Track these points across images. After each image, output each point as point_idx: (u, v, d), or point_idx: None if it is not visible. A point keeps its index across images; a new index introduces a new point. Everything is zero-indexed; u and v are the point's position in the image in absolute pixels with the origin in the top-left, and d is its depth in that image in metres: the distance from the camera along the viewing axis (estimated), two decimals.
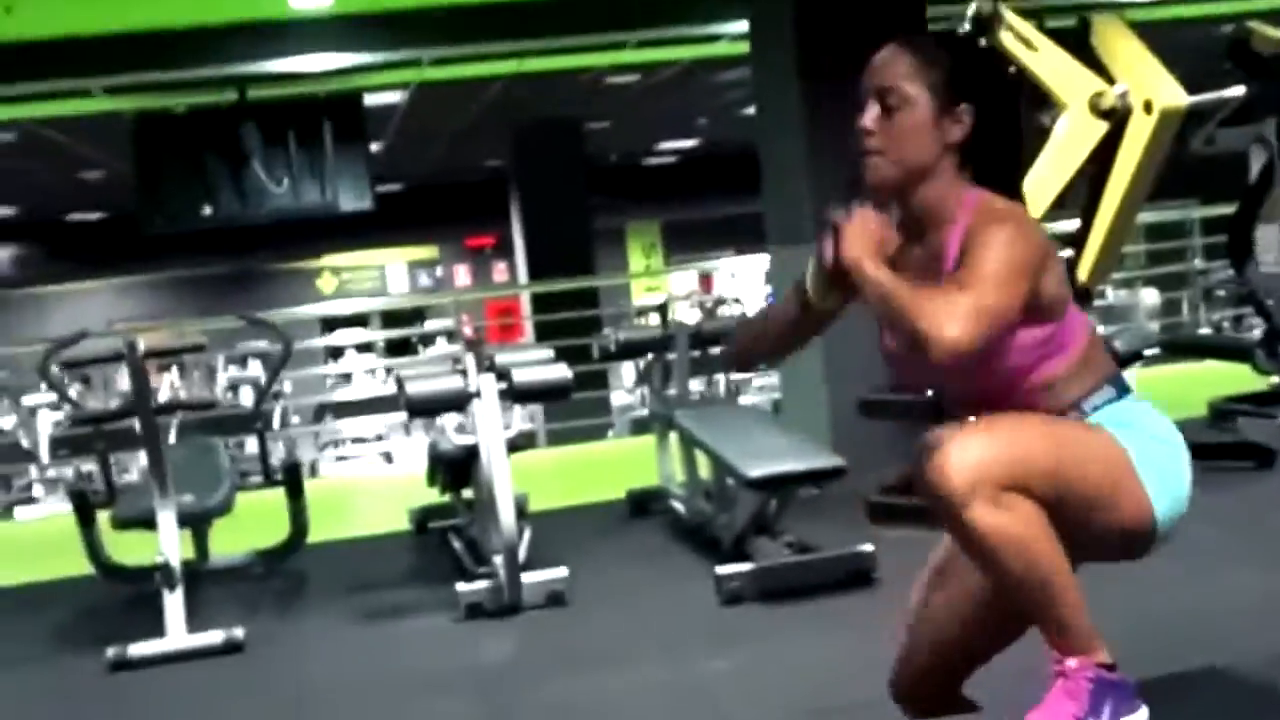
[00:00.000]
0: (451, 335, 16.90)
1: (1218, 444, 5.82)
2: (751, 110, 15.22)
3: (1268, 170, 6.10)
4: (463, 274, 23.54)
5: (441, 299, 18.61)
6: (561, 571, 4.49)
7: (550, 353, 4.83)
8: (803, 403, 6.20)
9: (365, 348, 16.78)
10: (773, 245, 6.45)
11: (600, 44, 9.31)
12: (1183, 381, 7.37)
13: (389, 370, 16.16)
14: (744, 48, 9.41)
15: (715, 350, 5.60)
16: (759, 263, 15.68)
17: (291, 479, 5.19)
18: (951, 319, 1.93)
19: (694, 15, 8.47)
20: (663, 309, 5.86)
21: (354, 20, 8.10)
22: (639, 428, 10.44)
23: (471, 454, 4.77)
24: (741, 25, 8.86)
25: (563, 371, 4.62)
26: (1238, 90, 5.58)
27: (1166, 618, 3.62)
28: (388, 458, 12.39)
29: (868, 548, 4.45)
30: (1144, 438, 2.14)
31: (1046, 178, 5.00)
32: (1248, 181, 6.21)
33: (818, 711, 3.33)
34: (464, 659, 4.17)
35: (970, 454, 1.97)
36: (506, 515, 4.34)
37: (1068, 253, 5.67)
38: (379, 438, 13.05)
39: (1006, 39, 4.94)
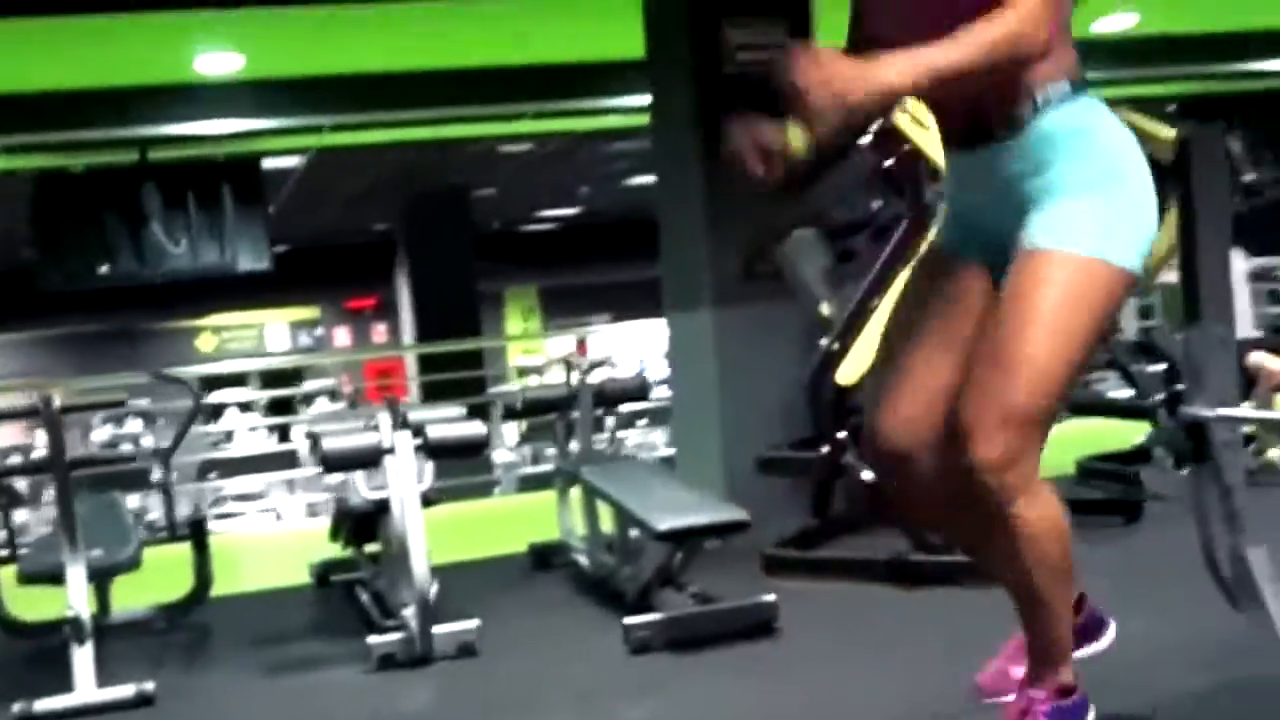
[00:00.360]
0: (333, 394, 16.80)
1: (1089, 500, 6.05)
2: (634, 180, 15.51)
3: None
4: (343, 335, 23.37)
5: (328, 359, 18.46)
6: (472, 623, 4.49)
7: (463, 410, 4.85)
8: (697, 460, 6.27)
9: (245, 407, 16.55)
10: (670, 311, 6.56)
11: (499, 114, 9.39)
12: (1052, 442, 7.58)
13: (271, 429, 16.05)
14: (636, 120, 9.62)
15: (618, 408, 5.68)
16: (638, 327, 15.99)
17: (196, 533, 5.13)
18: (1019, 39, 1.89)
19: (593, 88, 8.59)
20: (567, 367, 5.92)
21: (258, 85, 8.09)
22: (526, 484, 10.45)
23: (380, 509, 4.77)
24: (637, 99, 9.06)
25: (477, 428, 4.65)
26: None
27: None
28: (277, 515, 12.21)
29: (770, 598, 4.53)
30: (1099, 185, 2.03)
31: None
32: None
33: None
34: (382, 710, 4.12)
35: (1008, 438, 1.94)
36: (420, 567, 4.34)
37: None
38: (260, 495, 12.90)
39: (900, 120, 5.12)
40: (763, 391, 6.10)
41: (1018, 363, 1.94)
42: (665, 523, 4.35)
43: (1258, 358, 6.37)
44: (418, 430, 4.52)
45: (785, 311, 5.91)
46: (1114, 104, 2.16)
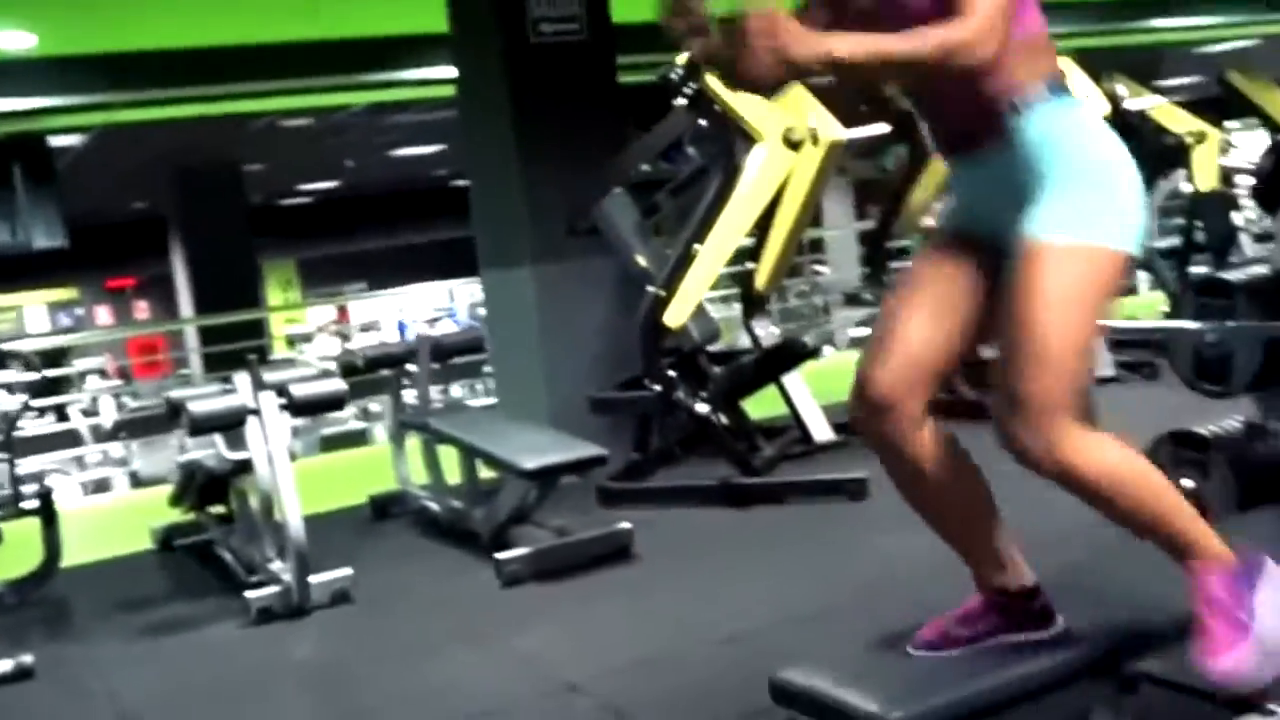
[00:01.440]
0: (103, 373, 15.90)
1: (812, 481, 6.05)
2: (401, 152, 15.18)
3: (897, 192, 6.68)
4: (104, 314, 22.16)
5: (104, 336, 17.44)
6: (345, 571, 4.36)
7: (321, 368, 4.69)
8: (520, 405, 6.23)
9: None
10: (486, 269, 6.48)
11: (286, 90, 9.03)
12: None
13: (43, 410, 15.08)
14: (422, 92, 9.44)
15: (453, 361, 5.59)
16: (406, 295, 15.77)
17: (45, 506, 4.80)
18: (968, 45, 1.90)
19: (384, 62, 8.36)
20: (400, 328, 5.78)
21: (50, 63, 7.53)
22: (329, 444, 10.17)
23: (239, 469, 4.58)
24: (426, 71, 8.89)
25: (338, 385, 4.50)
26: (883, 127, 6.07)
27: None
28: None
29: (626, 526, 4.57)
30: (1084, 179, 2.03)
31: (747, 200, 5.29)
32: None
33: (641, 661, 3.43)
34: (274, 660, 3.96)
35: (1043, 429, 1.94)
36: (296, 521, 4.19)
37: (749, 265, 6.03)
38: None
39: (713, 82, 5.19)
40: (582, 339, 6.12)
41: (1030, 357, 1.96)
42: (531, 462, 4.33)
43: None
44: (281, 390, 4.34)
45: (600, 265, 5.94)
46: None
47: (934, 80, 2.06)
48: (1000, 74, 2.00)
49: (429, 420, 5.16)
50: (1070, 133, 2.05)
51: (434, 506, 5.24)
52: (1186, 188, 8.79)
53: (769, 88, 2.06)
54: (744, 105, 5.17)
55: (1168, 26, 13.62)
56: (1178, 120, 8.47)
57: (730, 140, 5.24)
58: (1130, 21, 12.89)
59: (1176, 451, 3.58)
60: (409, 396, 5.55)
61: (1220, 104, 8.81)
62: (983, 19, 1.90)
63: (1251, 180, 9.83)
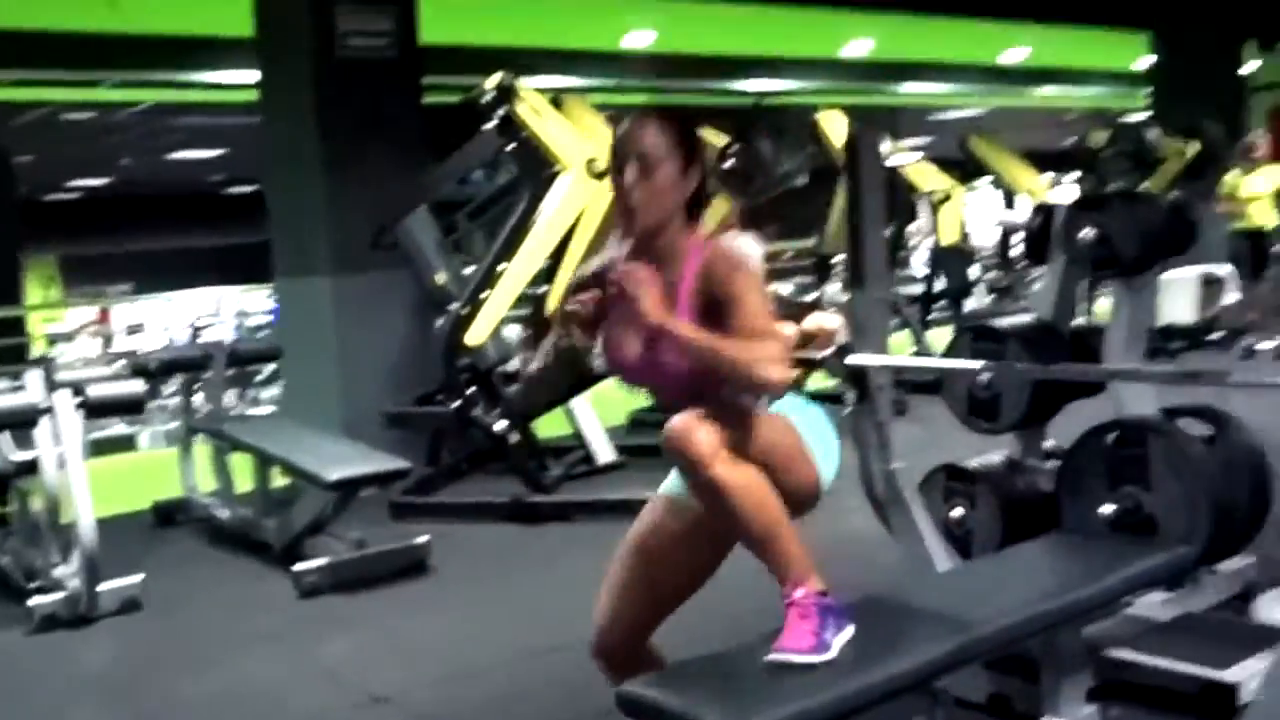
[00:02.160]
0: None
1: (653, 445, 6.34)
2: (180, 155, 14.48)
3: None
4: None
5: None
6: (136, 578, 4.11)
7: (119, 369, 4.40)
8: (310, 414, 5.98)
9: None
10: (282, 277, 6.25)
11: (69, 81, 8.48)
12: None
13: None
14: (218, 95, 9.04)
15: (249, 367, 5.36)
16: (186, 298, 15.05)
17: None
18: (771, 364, 2.13)
19: (182, 62, 7.95)
20: (194, 330, 5.50)
21: None
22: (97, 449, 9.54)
23: (19, 471, 4.26)
24: (226, 74, 8.50)
25: (137, 386, 4.24)
26: None
27: None
28: None
29: (424, 539, 4.47)
30: (806, 423, 2.33)
31: (550, 225, 5.26)
32: None
33: (448, 674, 3.35)
34: (67, 669, 3.67)
35: (707, 431, 2.11)
36: (87, 525, 3.92)
37: (544, 288, 5.98)
38: None
39: (521, 109, 5.16)
40: (378, 352, 5.96)
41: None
42: (335, 473, 4.18)
43: (815, 318, 6.90)
44: (77, 389, 4.05)
45: (400, 279, 5.81)
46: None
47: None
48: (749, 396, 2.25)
49: (224, 427, 4.92)
50: (795, 406, 2.32)
51: (223, 514, 5.00)
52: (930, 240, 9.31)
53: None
54: (551, 133, 5.17)
55: (912, 91, 14.39)
56: (928, 178, 8.94)
57: (537, 164, 5.21)
58: (879, 84, 13.55)
59: (948, 484, 3.73)
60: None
61: (951, 163, 9.29)
62: (778, 348, 2.17)
63: (1019, 235, 10.53)
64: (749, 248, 2.27)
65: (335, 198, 5.87)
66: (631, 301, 2.17)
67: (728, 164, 5.61)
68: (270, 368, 8.09)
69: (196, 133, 12.03)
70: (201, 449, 5.30)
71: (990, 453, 3.81)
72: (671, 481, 2.42)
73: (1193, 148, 8.58)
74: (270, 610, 4.08)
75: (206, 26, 7.71)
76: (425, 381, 5.66)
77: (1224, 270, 9.63)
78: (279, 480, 4.77)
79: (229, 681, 3.45)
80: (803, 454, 2.29)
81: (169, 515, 5.34)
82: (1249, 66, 11.62)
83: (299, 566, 4.20)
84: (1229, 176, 8.75)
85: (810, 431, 2.32)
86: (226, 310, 16.29)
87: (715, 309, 2.20)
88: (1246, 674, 2.47)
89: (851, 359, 3.04)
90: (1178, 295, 8.20)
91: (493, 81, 5.15)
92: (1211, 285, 9.58)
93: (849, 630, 2.18)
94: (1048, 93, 15.61)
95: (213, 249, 17.35)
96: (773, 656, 2.10)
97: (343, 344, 5.93)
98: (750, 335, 2.15)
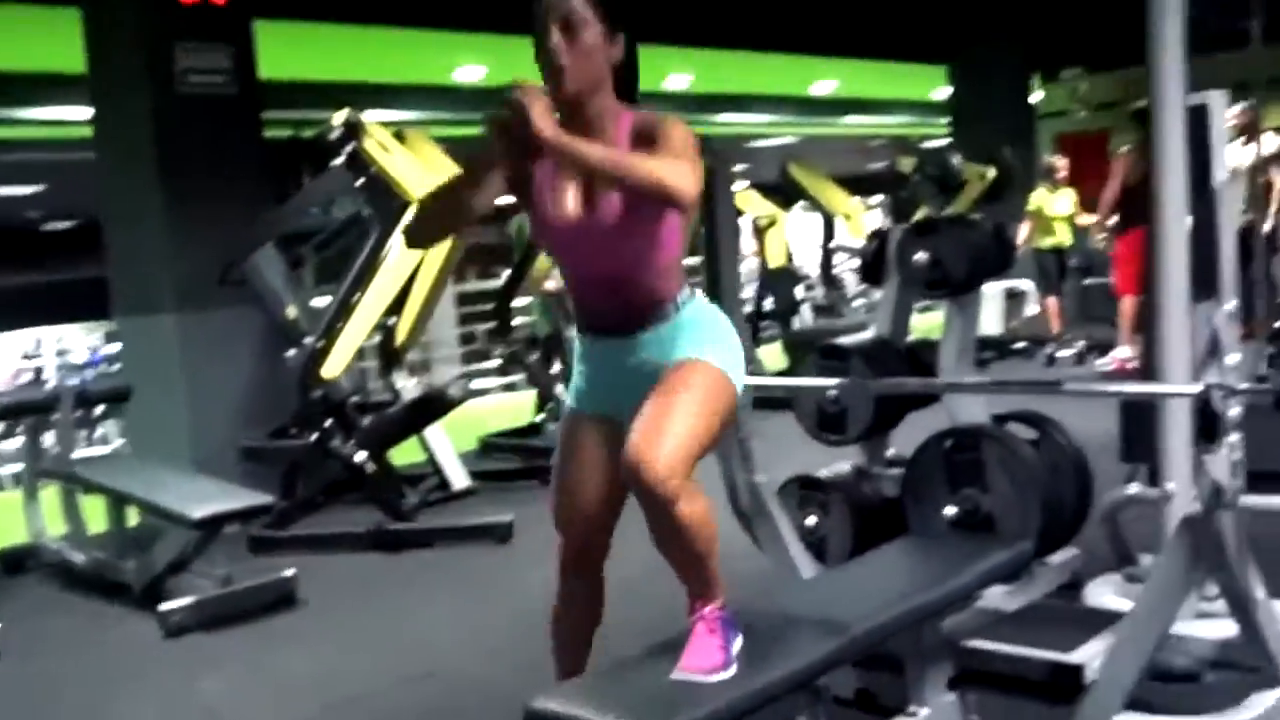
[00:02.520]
0: None
1: (505, 469, 6.40)
2: None
3: (524, 256, 6.86)
4: None
5: None
6: None
7: None
8: (158, 452, 5.81)
9: None
10: (122, 315, 6.06)
11: None
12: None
13: None
14: (33, 132, 8.69)
15: (97, 410, 5.17)
16: None
17: None
18: (686, 176, 2.10)
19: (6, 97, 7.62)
20: (37, 374, 5.28)
21: None
22: None
23: None
24: (40, 110, 8.20)
25: None
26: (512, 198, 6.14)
27: None
28: None
29: (290, 573, 4.40)
30: (719, 339, 2.34)
31: (400, 260, 5.25)
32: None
33: (328, 704, 3.32)
34: None
35: (667, 456, 2.11)
36: None
37: (391, 319, 5.95)
38: None
39: (369, 144, 5.15)
40: (227, 387, 5.84)
41: (664, 432, 2.16)
42: (199, 511, 4.08)
43: None
44: None
45: (247, 315, 5.71)
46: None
47: (620, 282, 2.30)
48: (672, 279, 2.33)
49: (75, 469, 4.74)
50: (705, 311, 2.40)
51: (77, 558, 4.81)
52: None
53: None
54: (398, 167, 5.16)
55: (729, 121, 14.76)
56: (753, 204, 9.21)
57: (386, 197, 5.19)
58: (699, 114, 13.86)
59: (801, 493, 3.89)
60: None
61: (770, 189, 9.58)
62: (696, 177, 2.15)
63: (843, 257, 10.88)
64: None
65: (177, 234, 5.73)
66: (524, 118, 2.06)
67: None
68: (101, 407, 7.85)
69: (10, 169, 11.48)
70: (46, 492, 5.11)
71: (837, 463, 4.01)
72: (571, 399, 2.49)
73: (990, 172, 9.07)
74: (136, 652, 3.96)
75: (35, 62, 7.42)
76: (276, 416, 5.59)
77: (1024, 285, 10.22)
78: (132, 520, 4.63)
79: None
80: (729, 396, 2.30)
81: (17, 563, 5.11)
82: (1036, 96, 12.33)
83: (164, 606, 4.09)
84: (1034, 197, 9.26)
85: (722, 353, 2.33)
86: (47, 350, 15.58)
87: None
88: (1089, 655, 2.66)
89: None
90: (985, 309, 8.63)
91: (340, 118, 5.12)
92: (1014, 299, 10.16)
93: (739, 640, 2.27)
94: (855, 121, 16.22)
95: (33, 286, 16.49)
96: (679, 675, 2.14)
97: (190, 381, 5.78)
98: (671, 155, 2.13)
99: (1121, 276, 7.83)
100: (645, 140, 2.20)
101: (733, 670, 2.16)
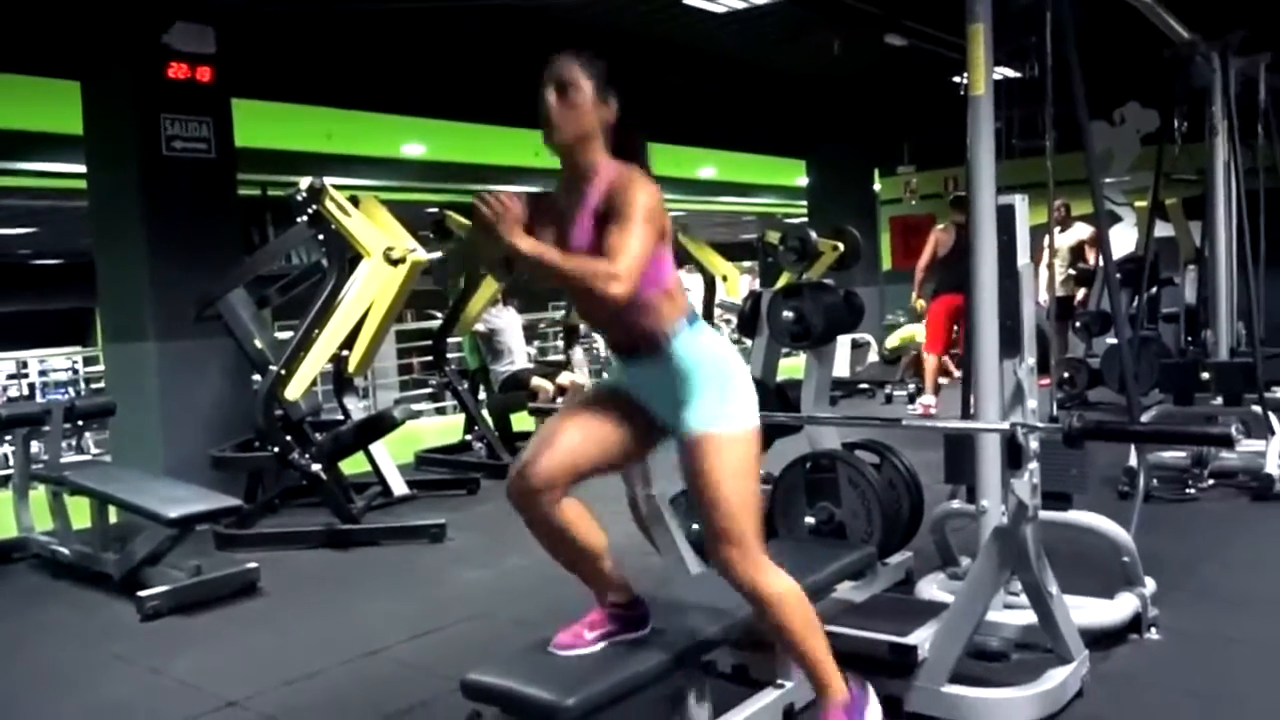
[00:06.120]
0: None
1: (438, 479, 6.32)
2: None
3: (457, 301, 6.81)
4: None
5: None
6: None
7: None
8: (136, 461, 5.64)
9: None
10: (110, 342, 5.88)
11: None
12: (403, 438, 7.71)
13: None
14: (33, 182, 8.41)
15: (82, 423, 5.00)
16: None
17: None
18: (608, 279, 1.99)
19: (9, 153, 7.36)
20: (31, 390, 5.08)
21: None
22: None
23: None
24: (42, 164, 7.94)
25: None
26: (436, 254, 6.05)
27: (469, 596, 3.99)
28: None
29: (253, 565, 4.30)
30: (721, 388, 2.17)
31: (355, 301, 5.19)
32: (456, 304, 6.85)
33: (290, 678, 3.25)
34: None
35: (740, 559, 2.13)
36: None
37: (345, 351, 5.85)
38: None
39: (329, 205, 5.09)
40: (197, 406, 5.71)
41: (724, 519, 2.14)
42: (174, 511, 3.97)
43: (536, 381, 7.00)
44: None
45: (216, 345, 5.61)
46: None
47: (606, 310, 2.15)
48: (656, 313, 2.19)
49: (65, 474, 4.57)
50: (703, 349, 2.23)
51: (62, 550, 4.63)
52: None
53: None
54: (353, 227, 5.12)
55: None
56: None
57: (341, 250, 5.15)
58: None
59: (689, 501, 3.92)
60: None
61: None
62: (624, 269, 2.03)
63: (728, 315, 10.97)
64: (650, 182, 2.14)
65: (159, 275, 5.63)
66: (494, 234, 2.01)
67: None
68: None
69: (7, 214, 11.08)
70: (35, 494, 4.92)
71: None
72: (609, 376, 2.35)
73: (840, 245, 9.27)
74: (117, 634, 3.82)
75: (28, 123, 7.20)
76: (237, 431, 5.49)
77: (866, 337, 10.47)
78: (113, 518, 4.48)
79: (92, 701, 3.21)
80: (756, 447, 2.20)
81: (6, 553, 4.90)
82: (876, 186, 12.70)
83: (142, 593, 3.96)
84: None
85: (735, 399, 2.19)
86: (32, 370, 14.90)
87: (608, 222, 2.08)
88: (921, 637, 2.75)
89: None
90: (837, 356, 8.79)
91: (305, 183, 5.07)
92: (859, 348, 10.40)
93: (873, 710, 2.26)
94: (731, 201, 16.50)
95: (22, 314, 15.82)
96: None
97: (166, 400, 5.65)
98: (608, 252, 2.04)
99: (929, 338, 7.68)
100: (611, 202, 2.11)
101: None
